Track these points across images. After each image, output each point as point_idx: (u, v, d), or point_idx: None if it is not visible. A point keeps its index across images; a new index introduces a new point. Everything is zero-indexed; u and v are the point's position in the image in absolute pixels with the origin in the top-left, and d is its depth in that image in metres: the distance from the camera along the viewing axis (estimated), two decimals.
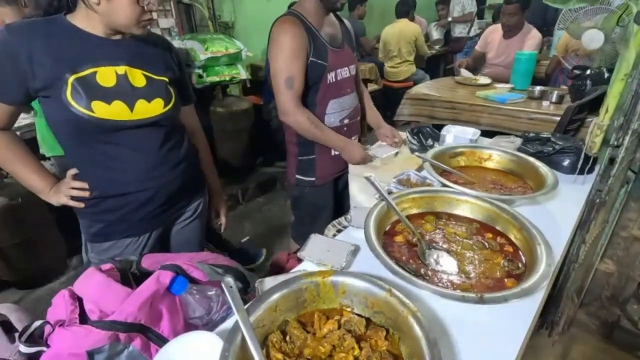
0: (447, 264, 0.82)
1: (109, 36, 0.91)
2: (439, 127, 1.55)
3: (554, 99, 2.28)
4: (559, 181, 1.09)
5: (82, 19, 0.88)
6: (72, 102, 0.86)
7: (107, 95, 0.89)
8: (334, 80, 1.38)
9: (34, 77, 0.84)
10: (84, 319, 0.69)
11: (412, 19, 4.31)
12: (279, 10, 1.47)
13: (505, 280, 0.77)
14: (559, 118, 1.93)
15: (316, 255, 0.86)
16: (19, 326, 0.71)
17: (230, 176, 3.01)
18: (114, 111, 0.90)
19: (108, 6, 0.84)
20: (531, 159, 1.23)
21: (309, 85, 1.34)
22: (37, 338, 0.66)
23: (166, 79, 1.00)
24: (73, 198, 0.99)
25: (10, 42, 0.81)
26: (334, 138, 1.41)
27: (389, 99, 4.16)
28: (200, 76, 2.60)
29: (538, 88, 2.42)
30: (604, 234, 1.39)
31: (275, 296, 0.67)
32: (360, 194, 1.42)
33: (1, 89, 0.85)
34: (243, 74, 2.87)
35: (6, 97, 0.86)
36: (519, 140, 1.41)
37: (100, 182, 0.99)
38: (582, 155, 1.19)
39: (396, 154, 1.52)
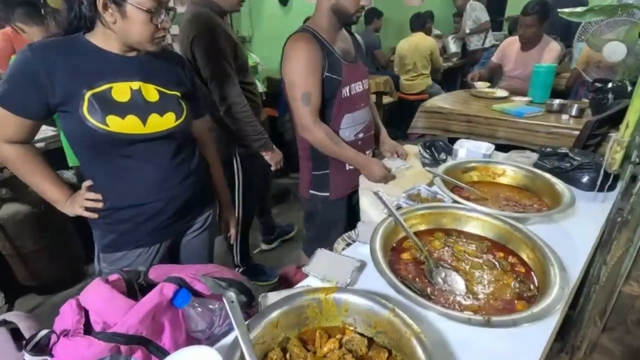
0: (454, 284, 0.79)
1: (124, 53, 0.95)
2: (454, 141, 1.52)
3: (574, 113, 2.20)
4: (576, 199, 1.04)
5: (99, 38, 0.92)
6: (88, 117, 0.89)
7: (121, 110, 0.92)
8: (348, 94, 1.38)
9: (54, 93, 0.88)
10: (89, 329, 0.70)
11: (429, 32, 4.30)
12: (296, 24, 1.49)
13: (516, 302, 0.74)
14: (579, 132, 1.87)
15: (321, 270, 0.85)
16: (27, 334, 0.73)
17: None
18: (128, 125, 0.93)
19: (124, 25, 0.88)
20: (547, 175, 1.18)
21: (324, 101, 1.35)
22: (43, 347, 0.67)
23: (178, 94, 1.03)
24: (87, 209, 1.02)
25: (32, 60, 0.86)
26: (353, 155, 1.40)
27: (403, 112, 4.14)
28: None
29: (557, 101, 2.35)
30: (628, 254, 1.32)
31: (277, 312, 0.66)
32: (370, 209, 1.40)
33: (23, 104, 0.89)
34: (259, 86, 2.93)
35: (27, 112, 0.90)
36: (535, 156, 1.36)
37: (113, 193, 1.02)
38: (602, 172, 1.14)
39: (408, 167, 1.51)
